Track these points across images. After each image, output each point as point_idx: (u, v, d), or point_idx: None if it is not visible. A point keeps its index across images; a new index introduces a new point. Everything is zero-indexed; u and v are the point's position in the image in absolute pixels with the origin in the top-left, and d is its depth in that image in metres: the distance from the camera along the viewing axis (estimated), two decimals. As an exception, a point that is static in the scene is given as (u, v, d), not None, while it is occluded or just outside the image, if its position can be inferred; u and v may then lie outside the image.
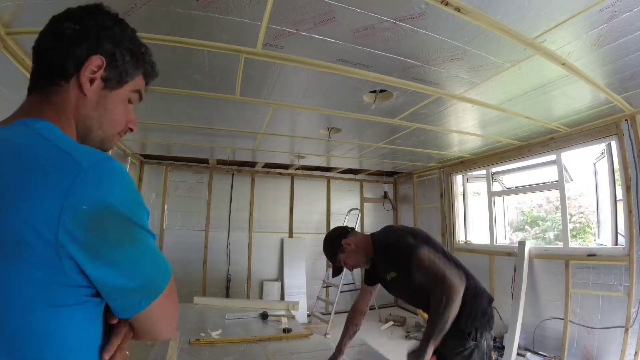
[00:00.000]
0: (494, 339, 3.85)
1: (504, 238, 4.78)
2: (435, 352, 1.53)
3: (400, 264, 1.65)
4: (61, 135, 0.51)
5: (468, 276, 1.65)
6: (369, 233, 1.89)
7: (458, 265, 1.69)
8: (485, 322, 1.65)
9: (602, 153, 3.31)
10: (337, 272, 1.91)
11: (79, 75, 0.57)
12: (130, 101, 0.67)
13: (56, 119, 0.55)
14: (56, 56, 0.57)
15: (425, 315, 3.17)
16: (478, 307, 1.63)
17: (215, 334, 2.37)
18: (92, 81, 0.58)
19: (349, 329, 1.94)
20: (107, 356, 0.53)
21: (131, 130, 0.69)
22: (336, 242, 1.83)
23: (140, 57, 0.66)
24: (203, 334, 2.36)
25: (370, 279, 1.98)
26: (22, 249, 0.43)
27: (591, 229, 5.80)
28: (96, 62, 0.58)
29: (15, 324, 0.44)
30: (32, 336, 0.44)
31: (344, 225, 2.00)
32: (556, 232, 6.05)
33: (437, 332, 1.47)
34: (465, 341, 1.61)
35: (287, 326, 2.47)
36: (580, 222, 6.12)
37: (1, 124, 0.53)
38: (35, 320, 0.44)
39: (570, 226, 6.04)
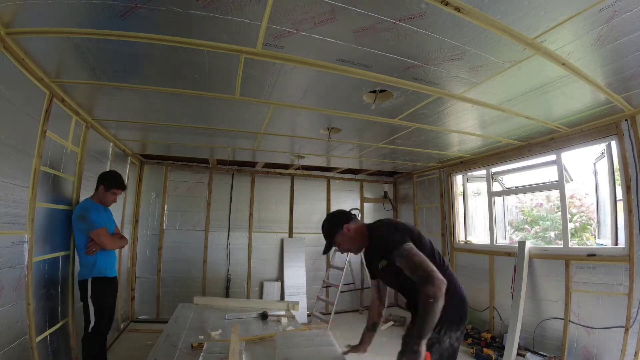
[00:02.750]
0: (494, 338, 3.85)
1: (504, 238, 4.77)
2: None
3: (388, 256, 1.69)
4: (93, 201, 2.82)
5: (449, 277, 1.65)
6: (365, 223, 1.95)
7: (441, 266, 1.72)
8: (454, 322, 1.71)
9: (602, 153, 3.31)
10: (327, 249, 2.01)
11: (98, 188, 2.77)
12: (113, 194, 2.80)
13: (95, 198, 2.81)
14: (97, 183, 2.81)
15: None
16: (449, 307, 1.58)
17: (215, 334, 2.37)
18: (102, 189, 2.76)
19: (368, 323, 2.13)
20: (88, 247, 2.61)
21: (113, 201, 2.88)
22: (338, 223, 1.90)
23: (115, 181, 2.79)
24: (202, 337, 2.36)
25: (371, 273, 2.08)
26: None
27: (591, 228, 5.80)
28: (102, 186, 2.76)
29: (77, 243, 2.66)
30: (77, 245, 2.65)
31: (348, 210, 2.03)
32: (557, 232, 6.05)
33: (427, 328, 1.47)
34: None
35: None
36: (580, 222, 6.11)
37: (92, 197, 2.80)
38: (78, 240, 2.64)
39: (572, 225, 6.04)
